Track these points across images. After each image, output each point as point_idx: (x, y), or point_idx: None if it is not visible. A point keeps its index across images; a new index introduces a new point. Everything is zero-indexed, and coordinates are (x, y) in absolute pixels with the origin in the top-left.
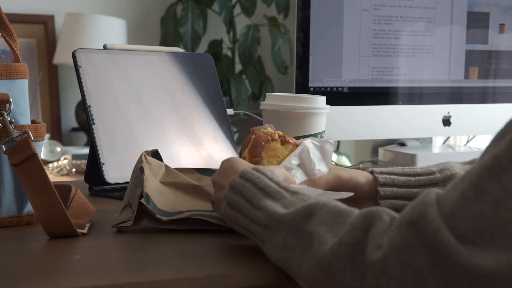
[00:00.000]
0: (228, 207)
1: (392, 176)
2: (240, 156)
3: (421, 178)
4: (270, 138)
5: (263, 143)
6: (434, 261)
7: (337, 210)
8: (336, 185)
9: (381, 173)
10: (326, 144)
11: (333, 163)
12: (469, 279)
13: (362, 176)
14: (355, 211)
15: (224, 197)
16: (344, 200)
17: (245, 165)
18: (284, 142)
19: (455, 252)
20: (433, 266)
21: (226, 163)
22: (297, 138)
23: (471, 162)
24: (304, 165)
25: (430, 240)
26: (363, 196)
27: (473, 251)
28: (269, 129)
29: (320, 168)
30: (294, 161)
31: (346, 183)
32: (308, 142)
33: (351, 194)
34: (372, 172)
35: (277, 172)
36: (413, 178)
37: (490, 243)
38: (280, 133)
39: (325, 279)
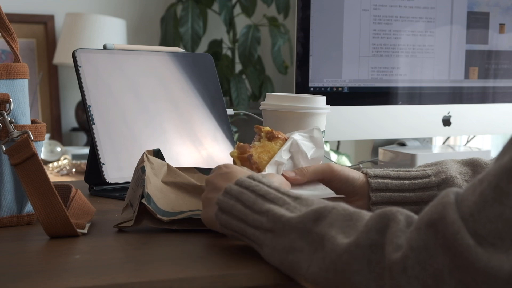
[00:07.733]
0: (220, 212)
1: (386, 181)
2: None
3: (415, 181)
4: (256, 135)
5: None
6: (454, 263)
7: (346, 213)
8: (325, 175)
9: (375, 176)
10: (313, 132)
11: (333, 162)
12: (488, 282)
13: (355, 172)
14: (364, 213)
15: (217, 202)
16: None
17: (244, 174)
18: (272, 138)
19: (474, 255)
20: (452, 268)
21: (225, 168)
22: None
23: (469, 163)
24: (294, 158)
25: (450, 242)
26: (354, 192)
27: (492, 254)
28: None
29: (316, 155)
30: (284, 155)
31: (336, 174)
32: (295, 135)
33: (333, 194)
34: (365, 174)
35: (274, 179)
36: (407, 182)
37: (510, 246)
38: (268, 129)
39: (339, 280)
